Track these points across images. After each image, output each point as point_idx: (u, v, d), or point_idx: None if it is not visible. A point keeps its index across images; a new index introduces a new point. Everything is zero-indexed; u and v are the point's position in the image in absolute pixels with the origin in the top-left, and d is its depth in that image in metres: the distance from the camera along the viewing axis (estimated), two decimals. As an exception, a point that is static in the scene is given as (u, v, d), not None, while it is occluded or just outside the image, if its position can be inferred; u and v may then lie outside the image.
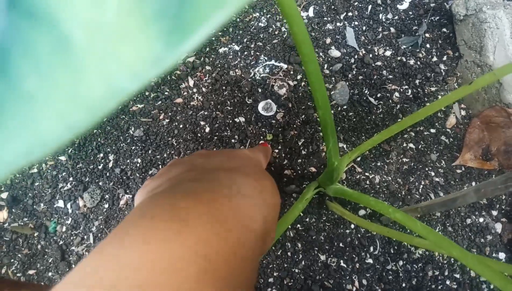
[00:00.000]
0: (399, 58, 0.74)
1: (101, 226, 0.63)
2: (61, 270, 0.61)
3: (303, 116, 0.69)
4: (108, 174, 0.66)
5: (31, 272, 0.62)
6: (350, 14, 0.77)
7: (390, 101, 0.72)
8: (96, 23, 0.10)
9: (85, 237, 0.63)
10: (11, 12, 0.11)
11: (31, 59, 0.11)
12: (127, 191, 0.64)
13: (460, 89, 0.50)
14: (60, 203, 0.64)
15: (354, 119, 0.70)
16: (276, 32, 0.75)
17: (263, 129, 0.67)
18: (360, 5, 0.78)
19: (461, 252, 0.35)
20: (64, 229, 0.63)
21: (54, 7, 0.10)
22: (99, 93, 0.11)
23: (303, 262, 0.60)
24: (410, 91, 0.72)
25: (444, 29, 0.76)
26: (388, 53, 0.75)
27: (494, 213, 0.68)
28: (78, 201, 0.64)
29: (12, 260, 0.62)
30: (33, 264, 0.62)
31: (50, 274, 0.62)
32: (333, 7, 0.77)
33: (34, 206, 0.65)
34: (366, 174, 0.67)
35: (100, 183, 0.65)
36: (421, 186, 0.67)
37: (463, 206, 0.67)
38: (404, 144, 0.70)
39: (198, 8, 0.10)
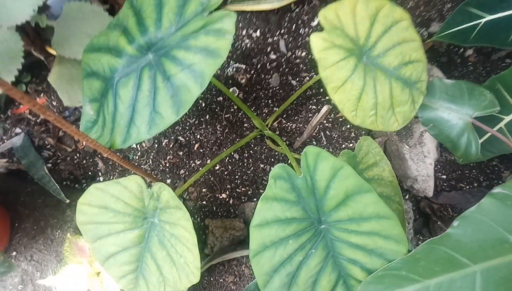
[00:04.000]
0: (309, 56, 1.31)
1: (154, 155, 1.28)
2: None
3: (254, 94, 1.29)
4: (155, 130, 1.30)
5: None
6: (282, 31, 1.33)
7: (303, 82, 1.30)
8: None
9: (147, 160, 1.28)
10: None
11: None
12: (165, 137, 1.28)
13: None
14: (134, 145, 1.29)
15: (283, 94, 1.29)
16: (239, 46, 1.32)
17: (232, 103, 1.28)
18: (288, 25, 1.33)
19: (288, 153, 0.96)
20: (136, 157, 1.29)
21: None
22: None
23: (252, 168, 1.24)
24: (314, 76, 1.30)
25: (336, 37, 1.31)
26: (303, 54, 1.31)
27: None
28: (142, 143, 1.29)
29: (113, 172, 1.29)
30: (125, 172, 1.29)
31: (132, 179, 1.28)
32: (271, 28, 1.33)
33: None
34: (288, 123, 1.28)
35: (152, 134, 1.29)
36: (317, 127, 1.27)
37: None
38: (310, 106, 1.28)
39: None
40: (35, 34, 1.01)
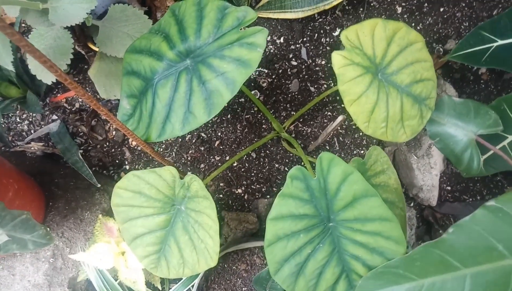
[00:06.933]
0: (329, 65, 1.39)
1: (177, 149, 1.37)
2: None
3: (273, 98, 1.37)
4: (179, 125, 1.39)
5: (149, 168, 1.39)
6: (304, 39, 1.41)
7: (321, 90, 1.38)
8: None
9: (170, 153, 1.38)
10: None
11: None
12: (189, 133, 1.38)
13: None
14: (159, 138, 1.39)
15: (301, 99, 1.37)
16: (263, 51, 1.41)
17: (253, 105, 1.37)
18: (310, 34, 1.41)
19: (303, 156, 1.04)
20: (161, 150, 1.39)
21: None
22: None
23: (267, 167, 1.32)
24: (332, 84, 1.38)
25: (355, 49, 1.38)
26: (323, 62, 1.39)
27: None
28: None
29: (139, 162, 1.39)
30: (150, 163, 1.39)
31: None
32: (294, 36, 1.41)
33: (147, 139, 1.40)
34: (304, 127, 1.36)
35: (176, 129, 1.39)
36: (332, 133, 1.35)
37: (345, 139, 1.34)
38: (326, 113, 1.36)
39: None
40: (80, 32, 1.11)
